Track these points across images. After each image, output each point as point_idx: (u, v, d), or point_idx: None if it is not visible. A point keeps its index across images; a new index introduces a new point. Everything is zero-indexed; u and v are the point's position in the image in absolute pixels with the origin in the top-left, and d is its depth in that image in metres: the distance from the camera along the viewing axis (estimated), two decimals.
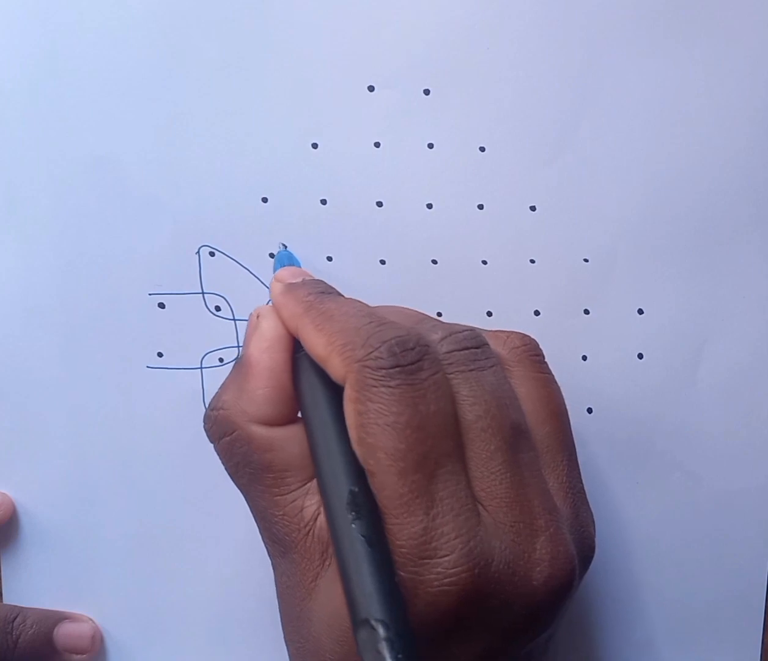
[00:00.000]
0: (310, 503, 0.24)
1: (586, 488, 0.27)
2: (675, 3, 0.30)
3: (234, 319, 0.32)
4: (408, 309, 0.27)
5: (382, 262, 0.32)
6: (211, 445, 0.26)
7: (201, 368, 0.32)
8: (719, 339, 0.31)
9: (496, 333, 0.28)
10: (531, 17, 0.30)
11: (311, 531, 0.24)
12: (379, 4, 0.30)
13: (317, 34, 0.30)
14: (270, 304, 0.27)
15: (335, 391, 0.24)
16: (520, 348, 0.27)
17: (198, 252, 0.32)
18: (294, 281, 0.27)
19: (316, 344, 0.24)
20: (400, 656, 0.19)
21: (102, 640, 0.34)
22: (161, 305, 0.32)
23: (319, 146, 0.31)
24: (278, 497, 0.24)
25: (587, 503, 0.27)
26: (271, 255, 0.32)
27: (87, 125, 0.31)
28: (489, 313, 0.31)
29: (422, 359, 0.23)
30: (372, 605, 0.20)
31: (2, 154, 0.32)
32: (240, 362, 0.26)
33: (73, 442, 0.33)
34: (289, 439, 0.24)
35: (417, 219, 0.31)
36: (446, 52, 0.30)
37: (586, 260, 0.31)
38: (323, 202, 0.31)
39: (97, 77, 0.31)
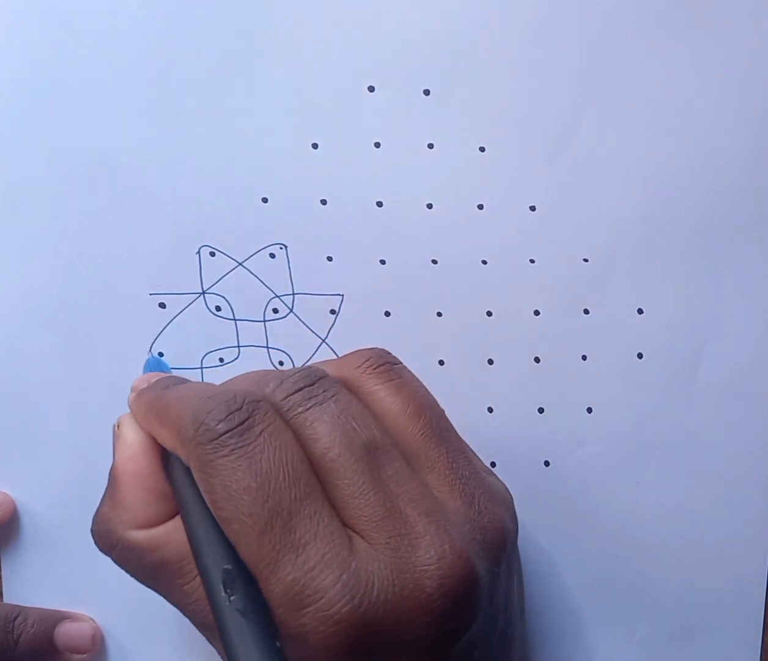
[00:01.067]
0: None
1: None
2: (675, 3, 0.30)
3: (234, 320, 0.32)
4: (253, 372, 0.26)
5: (382, 262, 0.32)
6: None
7: (201, 367, 0.32)
8: (719, 339, 0.31)
9: (339, 359, 0.27)
10: (531, 17, 0.30)
11: None
12: (379, 4, 0.30)
13: (317, 34, 0.30)
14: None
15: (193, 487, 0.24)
16: (362, 366, 0.26)
17: (198, 252, 0.32)
18: (143, 386, 0.27)
19: (163, 438, 0.25)
20: None
21: (102, 639, 0.34)
22: (162, 305, 0.32)
23: (319, 146, 0.31)
24: (185, 586, 0.24)
25: (486, 482, 0.25)
26: (272, 255, 0.32)
27: (87, 125, 0.31)
28: (489, 313, 0.31)
29: (251, 416, 0.23)
30: None
31: (2, 154, 0.32)
32: (110, 474, 0.26)
33: (74, 442, 0.33)
34: (171, 533, 0.25)
35: (417, 219, 0.31)
36: (446, 52, 0.30)
37: (586, 260, 0.31)
38: (323, 202, 0.31)
39: (97, 77, 0.31)
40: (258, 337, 0.32)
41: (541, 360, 0.31)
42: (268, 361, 0.32)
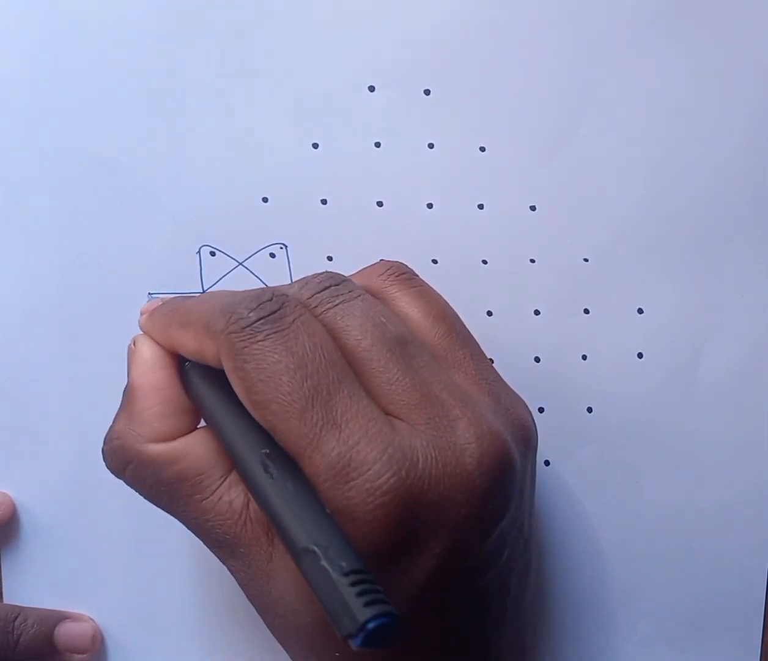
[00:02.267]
0: (236, 493, 0.24)
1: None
2: (675, 3, 0.30)
3: None
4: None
5: None
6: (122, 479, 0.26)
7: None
8: (719, 339, 0.31)
9: (358, 272, 0.28)
10: (531, 17, 0.30)
11: (248, 519, 0.24)
12: (380, 4, 0.30)
13: (318, 34, 0.30)
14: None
15: (224, 384, 0.24)
16: (385, 274, 0.27)
17: (198, 252, 0.32)
18: (155, 306, 0.27)
19: (186, 341, 0.25)
20: (343, 564, 0.20)
21: (102, 640, 0.34)
22: None
23: (319, 146, 0.31)
24: (204, 502, 0.24)
25: (510, 389, 0.26)
26: (272, 255, 0.32)
27: (87, 125, 0.31)
28: (489, 313, 0.31)
29: (283, 306, 0.23)
30: (307, 534, 0.20)
31: (3, 154, 0.32)
32: (125, 391, 0.26)
33: (74, 441, 0.33)
34: (191, 446, 0.25)
35: (417, 219, 0.31)
36: (446, 52, 0.30)
37: (586, 260, 0.31)
38: (324, 202, 0.31)
39: (97, 77, 0.31)
40: None
41: (542, 360, 0.32)
42: None
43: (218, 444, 0.25)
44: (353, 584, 0.19)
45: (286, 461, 0.22)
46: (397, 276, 0.27)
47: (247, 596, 0.25)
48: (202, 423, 0.26)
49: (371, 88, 0.31)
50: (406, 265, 0.28)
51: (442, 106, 0.31)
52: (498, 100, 0.30)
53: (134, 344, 0.27)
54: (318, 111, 0.31)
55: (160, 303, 0.27)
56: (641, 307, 0.31)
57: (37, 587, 0.34)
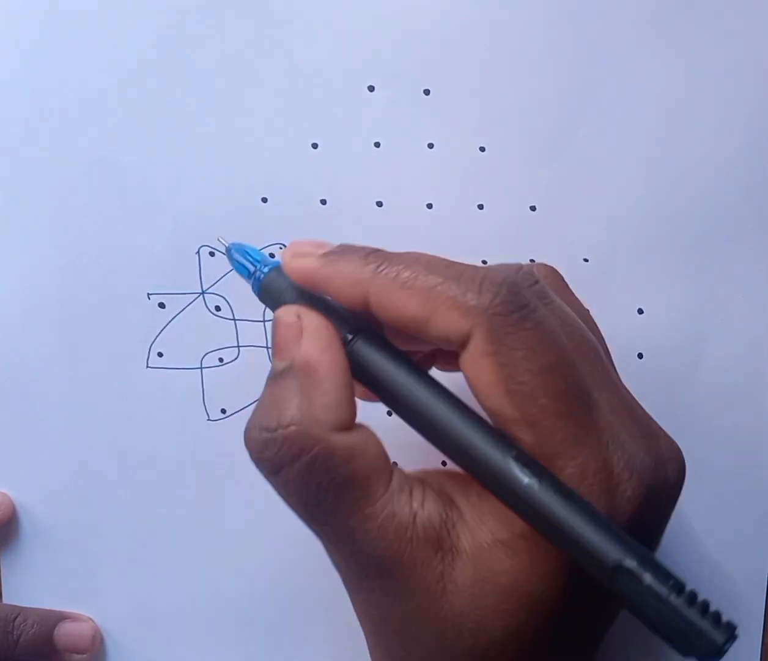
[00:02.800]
0: (401, 505, 0.21)
1: None
2: (675, 3, 0.30)
3: (234, 319, 0.32)
4: (490, 266, 0.24)
5: None
6: (266, 475, 0.22)
7: (201, 367, 0.32)
8: (719, 339, 0.31)
9: (520, 266, 0.25)
10: (531, 17, 0.30)
11: (414, 534, 0.21)
12: (380, 4, 0.30)
13: (317, 34, 0.30)
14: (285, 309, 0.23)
15: (413, 364, 0.22)
16: (550, 277, 0.26)
17: (198, 252, 0.32)
18: (329, 250, 0.23)
19: (408, 305, 0.21)
20: (671, 582, 0.19)
21: (102, 640, 0.34)
22: (161, 305, 0.32)
23: (319, 146, 0.31)
24: (368, 510, 0.21)
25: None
26: (272, 255, 0.32)
27: (88, 125, 0.31)
28: None
29: (534, 296, 0.22)
30: (615, 547, 0.19)
31: (3, 154, 0.32)
32: (293, 373, 0.22)
33: (74, 442, 0.33)
34: (363, 442, 0.22)
35: (417, 219, 0.31)
36: (446, 52, 0.30)
37: (586, 260, 0.31)
38: (323, 202, 0.31)
39: (97, 77, 0.31)
40: (257, 337, 0.32)
41: None
42: (268, 361, 0.32)
43: (380, 446, 0.22)
44: (689, 602, 0.19)
45: (537, 462, 0.20)
46: (560, 282, 0.27)
47: (384, 621, 0.23)
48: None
49: (371, 88, 0.31)
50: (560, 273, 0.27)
51: (442, 107, 0.31)
52: (498, 101, 0.30)
53: (298, 316, 0.22)
54: (317, 111, 0.31)
55: (333, 246, 0.23)
56: (641, 307, 0.31)
57: (36, 587, 0.34)
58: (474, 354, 0.21)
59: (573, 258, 0.31)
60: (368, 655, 0.34)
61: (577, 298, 0.26)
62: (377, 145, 0.31)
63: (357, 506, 0.21)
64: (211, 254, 0.32)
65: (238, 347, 0.32)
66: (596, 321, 0.31)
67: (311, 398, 0.21)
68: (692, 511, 0.32)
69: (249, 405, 0.32)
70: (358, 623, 0.33)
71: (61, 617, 0.33)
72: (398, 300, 0.21)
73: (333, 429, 0.21)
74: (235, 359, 0.32)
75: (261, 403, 0.22)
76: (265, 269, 0.24)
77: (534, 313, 0.21)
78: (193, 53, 0.31)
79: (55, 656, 0.33)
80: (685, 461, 0.24)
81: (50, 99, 0.31)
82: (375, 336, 0.22)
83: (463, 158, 0.31)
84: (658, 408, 0.32)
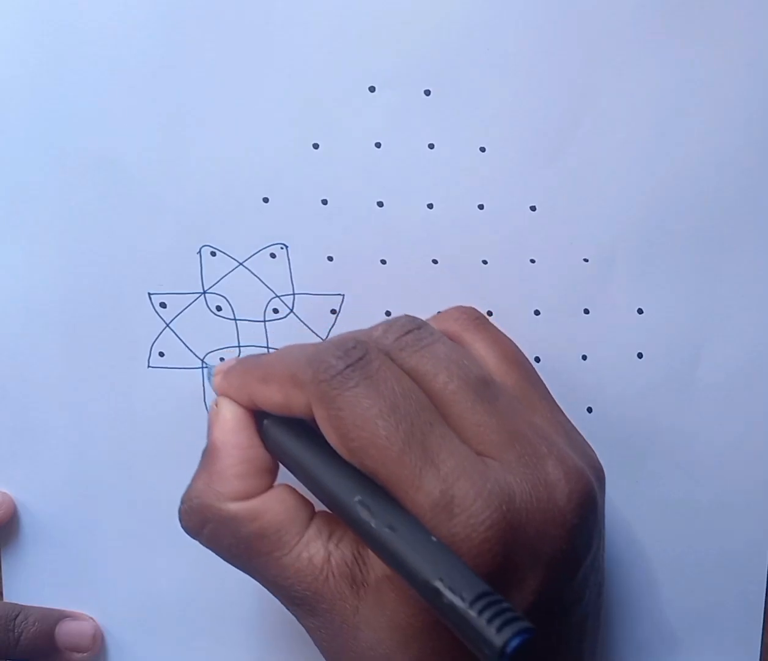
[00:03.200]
0: (316, 549, 0.24)
1: None
2: (675, 3, 0.30)
3: (235, 319, 0.32)
4: (349, 332, 0.27)
5: (383, 262, 0.32)
6: (196, 540, 0.26)
7: (202, 367, 0.32)
8: (719, 339, 0.31)
9: (433, 317, 0.29)
10: (531, 17, 0.30)
11: (330, 573, 0.24)
12: (380, 4, 0.30)
13: (318, 34, 0.30)
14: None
15: (307, 434, 0.25)
16: (460, 319, 0.28)
17: (199, 252, 0.32)
18: (230, 365, 0.28)
19: (269, 395, 0.25)
20: (465, 593, 0.20)
21: (103, 638, 0.34)
22: (163, 305, 0.32)
23: (320, 146, 0.31)
24: (283, 558, 0.24)
25: (580, 434, 0.27)
26: (272, 255, 0.32)
27: (89, 125, 0.31)
28: (489, 313, 0.32)
29: (367, 353, 0.23)
30: (431, 569, 0.20)
31: (4, 153, 0.32)
32: (206, 450, 0.27)
33: (74, 441, 0.33)
34: (270, 502, 0.25)
35: (418, 219, 0.31)
36: (447, 52, 0.30)
37: (586, 260, 0.31)
38: (324, 202, 0.31)
39: (99, 77, 0.31)
40: (258, 337, 0.32)
41: (542, 360, 0.32)
42: None
43: (295, 500, 0.25)
44: (482, 610, 0.19)
45: (384, 502, 0.22)
46: (471, 320, 0.28)
47: (325, 654, 0.25)
48: (278, 480, 0.27)
49: (372, 89, 0.31)
50: (478, 310, 0.29)
51: (443, 107, 0.31)
52: (498, 101, 0.30)
53: (216, 405, 0.27)
54: (318, 111, 0.31)
55: (234, 362, 0.28)
56: (641, 307, 0.31)
57: (37, 585, 0.34)
58: (318, 421, 0.23)
59: (573, 258, 0.31)
60: None
61: (493, 332, 0.28)
62: (378, 145, 0.31)
63: (272, 556, 0.24)
64: (212, 254, 0.32)
65: (239, 347, 0.32)
66: (596, 321, 0.32)
67: (210, 473, 0.26)
68: (692, 511, 0.32)
69: None
70: None
71: (62, 616, 0.33)
72: (266, 393, 0.25)
73: (230, 499, 0.25)
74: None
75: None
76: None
77: (363, 368, 0.23)
78: (195, 53, 0.31)
79: (56, 654, 0.33)
80: (590, 482, 0.24)
81: (51, 99, 0.31)
82: (282, 419, 0.26)
83: (463, 158, 0.31)
84: (658, 408, 0.32)
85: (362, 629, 0.24)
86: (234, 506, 0.25)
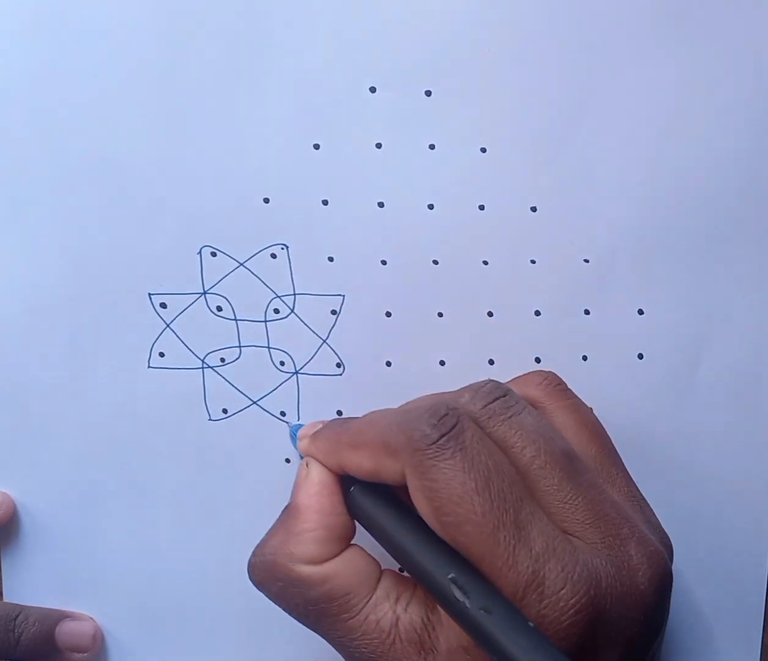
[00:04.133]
0: (383, 612, 0.24)
1: None
2: (675, 3, 0.30)
3: (235, 320, 0.32)
4: (433, 394, 0.28)
5: (383, 262, 0.32)
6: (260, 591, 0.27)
7: (202, 368, 0.32)
8: (719, 339, 0.31)
9: (515, 380, 0.29)
10: (531, 18, 0.30)
11: (396, 637, 0.24)
12: (381, 5, 0.30)
13: (319, 35, 0.30)
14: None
15: (395, 502, 0.25)
16: (542, 384, 0.29)
17: (200, 252, 0.32)
18: (317, 429, 0.28)
19: (360, 461, 0.25)
20: None
21: (103, 639, 0.34)
22: (163, 305, 0.32)
23: (320, 147, 0.31)
24: (350, 621, 0.25)
25: (649, 505, 0.27)
26: (273, 255, 0.32)
27: (89, 126, 0.31)
28: (490, 314, 0.32)
29: (460, 421, 0.23)
30: (529, 657, 0.21)
31: (5, 154, 0.32)
32: (288, 509, 0.27)
33: (75, 441, 0.33)
34: (341, 566, 0.25)
35: (418, 220, 0.31)
36: (447, 53, 0.30)
37: (586, 260, 0.31)
38: (325, 202, 0.31)
39: (99, 78, 0.31)
40: (259, 337, 0.32)
41: (542, 360, 0.32)
42: (270, 361, 0.32)
43: (365, 562, 0.26)
44: None
45: (476, 581, 0.22)
46: (553, 387, 0.29)
47: None
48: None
49: (372, 89, 0.31)
50: (559, 377, 0.30)
51: (443, 107, 0.31)
52: (499, 102, 0.31)
53: (307, 465, 0.27)
54: (319, 112, 0.31)
55: (321, 426, 0.28)
56: (641, 308, 0.31)
57: (37, 586, 0.34)
58: (411, 490, 0.24)
59: (573, 258, 0.31)
60: None
61: (574, 401, 0.29)
62: (378, 146, 0.31)
63: (340, 618, 0.25)
64: (213, 254, 0.32)
65: (240, 347, 0.32)
66: (597, 322, 0.32)
67: (289, 533, 0.26)
68: (692, 511, 0.32)
69: (250, 405, 0.32)
70: None
71: (62, 616, 0.33)
72: (355, 460, 0.25)
73: (304, 561, 0.25)
74: (237, 359, 0.32)
75: (266, 534, 0.27)
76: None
77: (457, 438, 0.23)
78: (195, 53, 0.31)
79: (56, 655, 0.33)
80: (667, 561, 0.24)
81: (52, 99, 0.31)
82: (369, 486, 0.26)
83: (464, 159, 0.31)
84: (658, 408, 0.32)
85: None
86: (306, 569, 0.25)
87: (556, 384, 0.29)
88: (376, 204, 0.31)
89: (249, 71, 0.31)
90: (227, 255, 0.32)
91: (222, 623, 0.34)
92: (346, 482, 0.27)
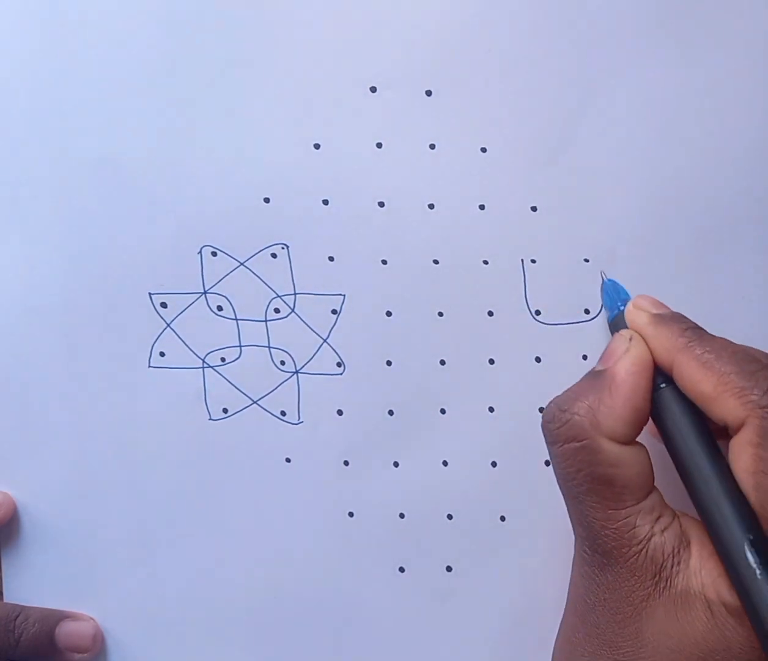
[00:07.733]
0: (642, 522, 0.25)
1: None
2: (675, 4, 0.30)
3: (236, 319, 0.32)
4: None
5: (384, 262, 0.32)
6: (546, 442, 0.26)
7: (203, 367, 0.32)
8: None
9: None
10: (532, 18, 0.30)
11: (644, 550, 0.24)
12: (381, 5, 0.30)
13: (319, 35, 0.31)
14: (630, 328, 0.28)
15: (702, 428, 0.25)
16: None
17: (200, 252, 0.32)
18: (661, 312, 0.27)
19: (702, 381, 0.25)
20: None
21: (103, 639, 0.34)
22: (163, 305, 0.32)
23: (321, 147, 0.31)
24: (612, 512, 0.25)
25: None
26: (274, 255, 0.32)
27: (90, 125, 0.31)
28: (490, 313, 0.32)
29: None
30: None
31: (5, 154, 0.32)
32: (602, 376, 0.26)
33: (75, 441, 0.33)
34: (632, 457, 0.25)
35: (418, 219, 0.31)
36: (448, 53, 0.30)
37: (586, 260, 0.31)
38: (325, 202, 0.31)
39: (100, 78, 0.31)
40: (259, 336, 0.32)
41: (542, 360, 0.32)
42: (270, 360, 0.32)
43: (648, 467, 0.26)
44: None
45: None
46: None
47: (584, 608, 0.26)
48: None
49: (373, 89, 0.31)
50: None
51: (444, 107, 0.31)
52: (499, 102, 0.31)
53: (630, 338, 0.27)
54: (319, 112, 0.31)
55: (660, 310, 0.28)
56: None
57: (38, 586, 0.34)
58: (740, 440, 0.24)
59: (573, 258, 0.31)
60: (364, 657, 0.34)
61: None
62: (379, 145, 0.31)
63: (605, 503, 0.25)
64: (213, 254, 0.32)
65: (240, 346, 0.32)
66: (597, 321, 0.32)
67: (601, 402, 0.25)
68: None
69: (250, 405, 0.32)
70: (358, 622, 0.33)
71: (62, 617, 0.33)
72: (695, 375, 0.25)
73: (606, 435, 0.25)
74: (237, 358, 0.32)
75: (571, 388, 0.27)
76: (621, 307, 0.29)
77: None
78: (196, 54, 0.31)
79: (56, 655, 0.33)
80: None
81: (52, 99, 0.31)
82: (681, 394, 0.26)
83: (464, 159, 0.31)
84: None
85: (643, 619, 0.24)
86: (607, 445, 0.25)
87: None
88: (377, 204, 0.31)
89: (249, 71, 0.31)
90: (228, 255, 0.32)
91: (222, 622, 0.34)
92: (657, 376, 0.26)
